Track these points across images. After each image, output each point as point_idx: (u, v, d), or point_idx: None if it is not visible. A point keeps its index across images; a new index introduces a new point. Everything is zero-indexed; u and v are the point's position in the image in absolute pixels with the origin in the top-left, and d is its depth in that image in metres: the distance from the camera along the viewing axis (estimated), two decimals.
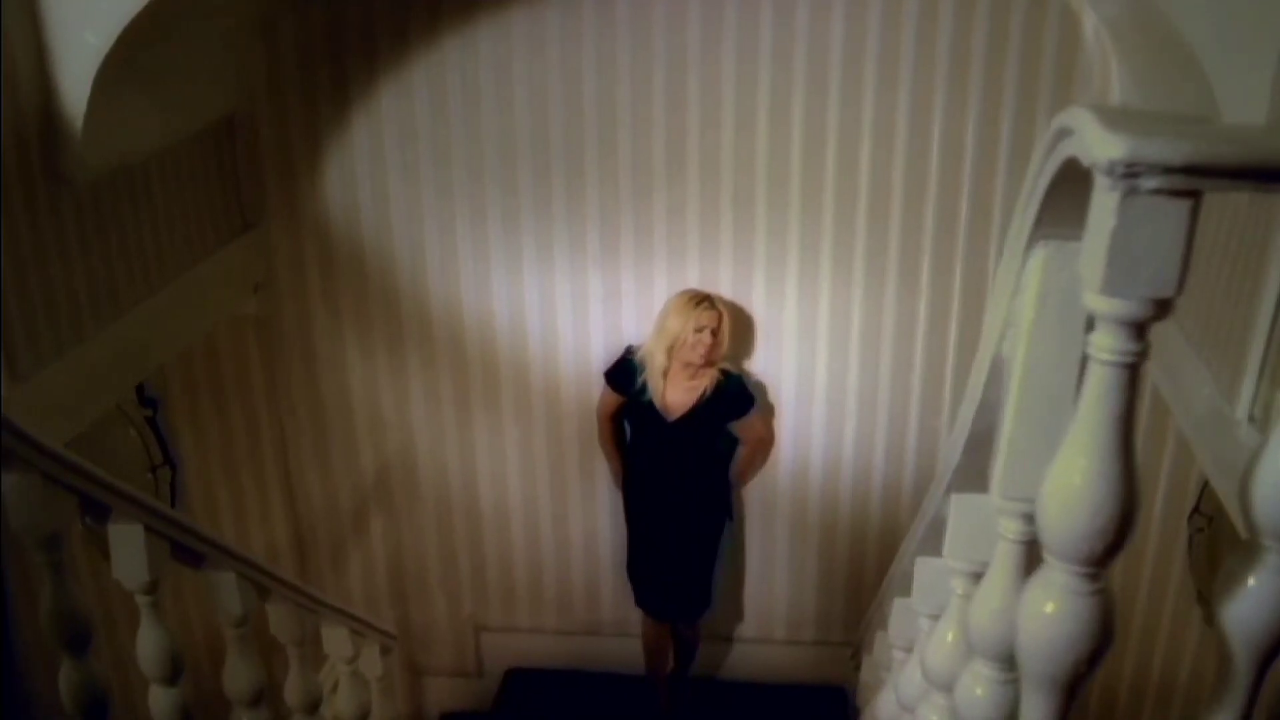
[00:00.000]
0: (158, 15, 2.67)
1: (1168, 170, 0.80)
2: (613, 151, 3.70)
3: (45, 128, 2.69)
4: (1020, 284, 1.14)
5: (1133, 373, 0.89)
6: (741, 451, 3.96)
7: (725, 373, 3.75)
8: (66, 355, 2.79)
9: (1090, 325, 0.90)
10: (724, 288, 3.82)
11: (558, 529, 4.30)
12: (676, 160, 3.69)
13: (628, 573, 4.11)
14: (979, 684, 1.30)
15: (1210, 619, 3.41)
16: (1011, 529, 1.23)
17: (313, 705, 2.64)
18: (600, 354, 3.96)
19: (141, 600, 1.94)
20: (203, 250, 3.54)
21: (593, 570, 4.36)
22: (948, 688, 1.49)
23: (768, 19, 3.49)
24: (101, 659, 1.85)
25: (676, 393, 3.74)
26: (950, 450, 1.50)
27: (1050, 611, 0.97)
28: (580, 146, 3.70)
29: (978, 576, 1.38)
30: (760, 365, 3.96)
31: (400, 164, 3.79)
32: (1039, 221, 1.08)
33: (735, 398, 3.78)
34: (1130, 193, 0.81)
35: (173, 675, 1.99)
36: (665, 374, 3.71)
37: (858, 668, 3.64)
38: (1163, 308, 0.85)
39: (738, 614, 4.40)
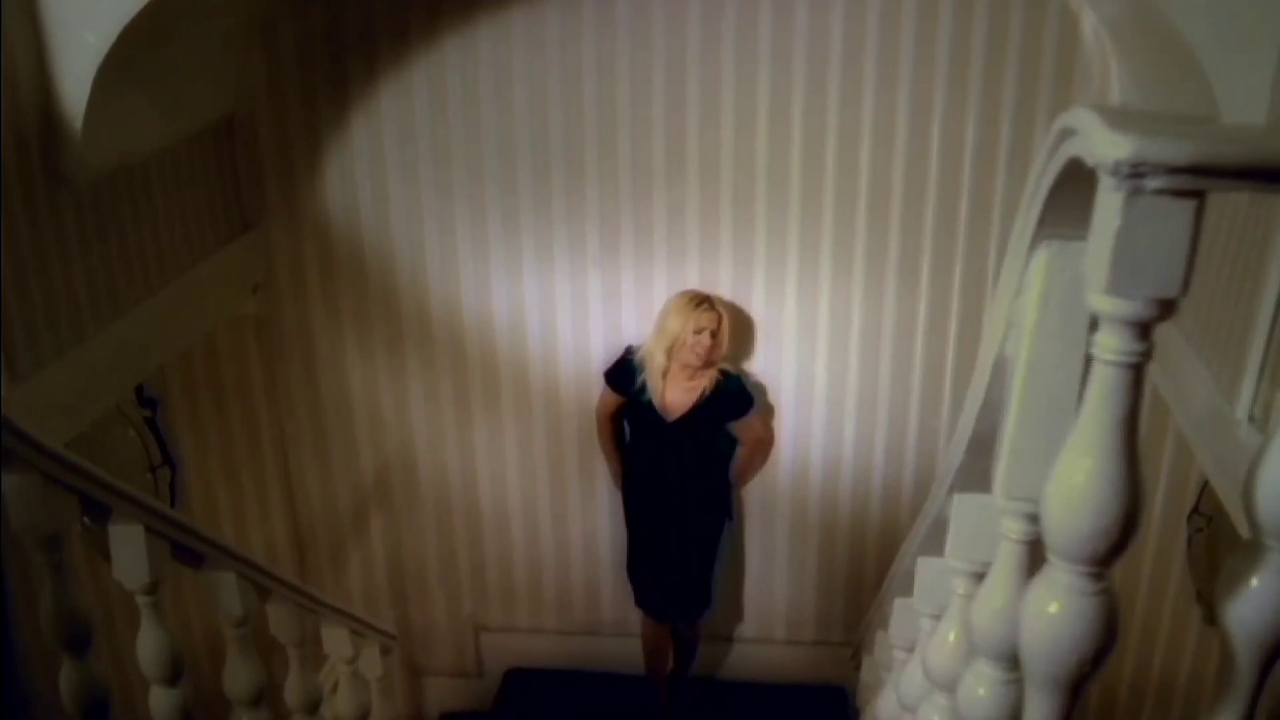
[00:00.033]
0: (157, 15, 2.67)
1: (1173, 170, 0.80)
2: (612, 152, 3.70)
3: (45, 128, 2.69)
4: (1023, 284, 1.14)
5: (1137, 373, 0.89)
6: (741, 452, 3.96)
7: (725, 373, 3.75)
8: (66, 355, 2.78)
9: (1094, 325, 0.90)
10: (724, 288, 3.83)
11: (557, 529, 4.30)
12: (676, 160, 3.69)
13: (628, 573, 4.11)
14: (981, 684, 1.30)
15: (1209, 618, 3.41)
16: (1014, 529, 1.23)
17: (313, 706, 2.64)
18: (600, 354, 3.96)
19: (142, 601, 1.94)
20: (202, 250, 3.54)
21: (592, 570, 4.36)
22: (949, 688, 1.49)
23: (767, 19, 3.49)
24: (101, 660, 1.85)
25: (676, 393, 3.74)
26: (953, 450, 1.50)
27: (1054, 611, 0.97)
28: (580, 146, 3.70)
29: (980, 577, 1.37)
30: (760, 365, 3.96)
31: (400, 164, 3.79)
32: (1042, 221, 1.08)
33: (734, 398, 3.78)
34: (1135, 193, 0.81)
35: (173, 676, 1.99)
36: (664, 374, 3.71)
37: (858, 668, 3.64)
38: (1167, 308, 0.85)
39: (737, 614, 4.40)
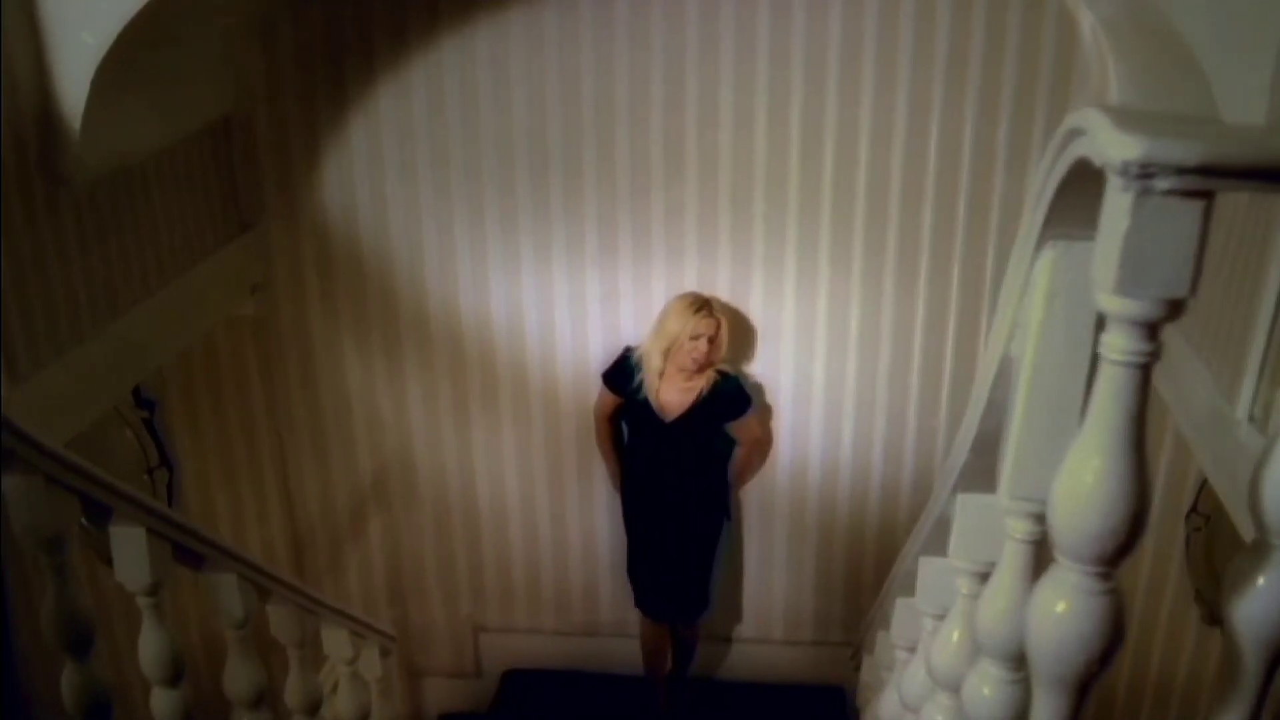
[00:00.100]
0: (156, 16, 2.66)
1: (1182, 171, 0.80)
2: (611, 152, 3.69)
3: (44, 128, 2.69)
4: (1029, 284, 1.14)
5: (1145, 373, 0.89)
6: (739, 452, 3.96)
7: (722, 373, 3.74)
8: (65, 356, 2.78)
9: (1101, 325, 0.90)
10: (722, 288, 3.83)
11: (556, 529, 4.30)
12: (675, 160, 3.69)
13: (626, 573, 4.11)
14: (986, 683, 1.30)
15: (1207, 618, 3.42)
16: (1020, 529, 1.23)
17: (313, 706, 2.63)
18: (598, 354, 3.96)
19: (143, 602, 1.94)
20: (201, 251, 3.53)
21: (591, 571, 4.36)
22: (953, 687, 1.50)
23: (765, 19, 3.49)
24: (101, 662, 1.85)
25: (673, 393, 3.74)
26: (956, 450, 1.50)
27: (1062, 611, 0.97)
28: (578, 147, 3.70)
29: (983, 576, 1.38)
30: (758, 366, 3.96)
31: (398, 165, 3.78)
32: (1048, 221, 1.08)
33: (732, 398, 3.78)
34: (1144, 193, 0.81)
35: (174, 677, 1.99)
36: (661, 375, 3.71)
37: (857, 668, 3.64)
38: (1175, 308, 0.85)
39: (736, 614, 4.40)
